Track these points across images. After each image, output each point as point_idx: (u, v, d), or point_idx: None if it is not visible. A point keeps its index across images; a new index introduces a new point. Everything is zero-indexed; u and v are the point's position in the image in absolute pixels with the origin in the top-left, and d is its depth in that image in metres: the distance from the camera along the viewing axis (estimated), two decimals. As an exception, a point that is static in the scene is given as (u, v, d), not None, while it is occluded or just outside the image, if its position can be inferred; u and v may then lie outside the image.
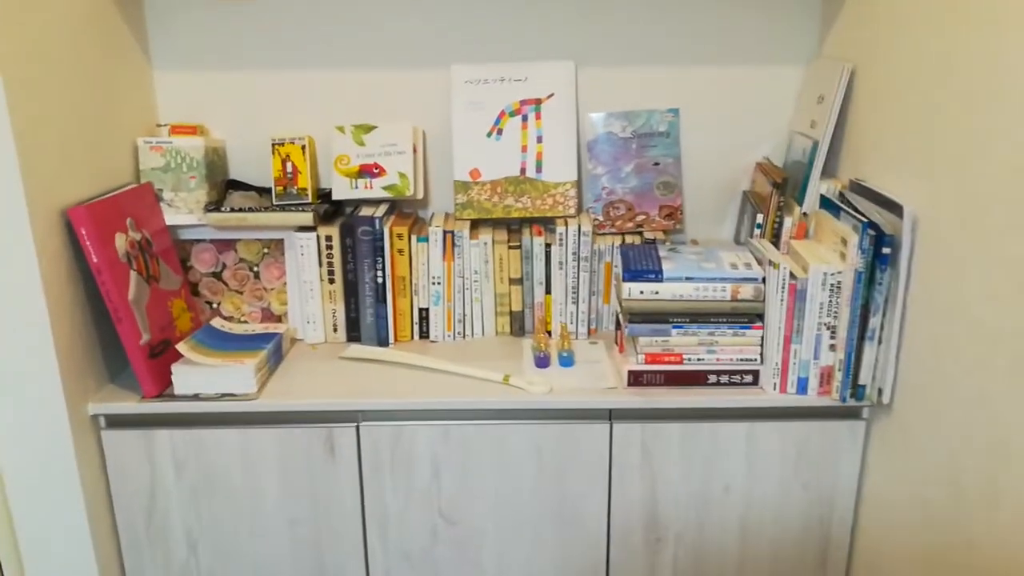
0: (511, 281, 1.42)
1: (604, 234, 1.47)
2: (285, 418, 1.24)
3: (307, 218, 1.37)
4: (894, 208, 1.13)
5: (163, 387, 1.23)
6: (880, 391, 1.18)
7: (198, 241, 1.44)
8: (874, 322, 1.15)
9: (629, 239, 1.45)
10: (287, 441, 1.23)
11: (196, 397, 1.22)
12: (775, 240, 1.34)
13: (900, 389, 1.15)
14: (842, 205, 1.21)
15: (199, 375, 1.22)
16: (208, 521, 1.27)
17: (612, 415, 1.24)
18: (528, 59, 1.46)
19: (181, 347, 1.23)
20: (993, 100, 0.93)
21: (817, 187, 1.31)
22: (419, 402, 1.21)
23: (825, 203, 1.27)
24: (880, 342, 1.16)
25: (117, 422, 1.23)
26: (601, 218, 1.48)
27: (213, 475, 1.25)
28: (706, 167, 1.52)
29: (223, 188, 1.46)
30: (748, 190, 1.51)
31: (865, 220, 1.12)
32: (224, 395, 1.22)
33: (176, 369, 1.22)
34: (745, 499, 1.27)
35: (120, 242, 1.20)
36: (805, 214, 1.32)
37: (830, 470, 1.26)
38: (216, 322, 1.37)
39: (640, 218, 1.48)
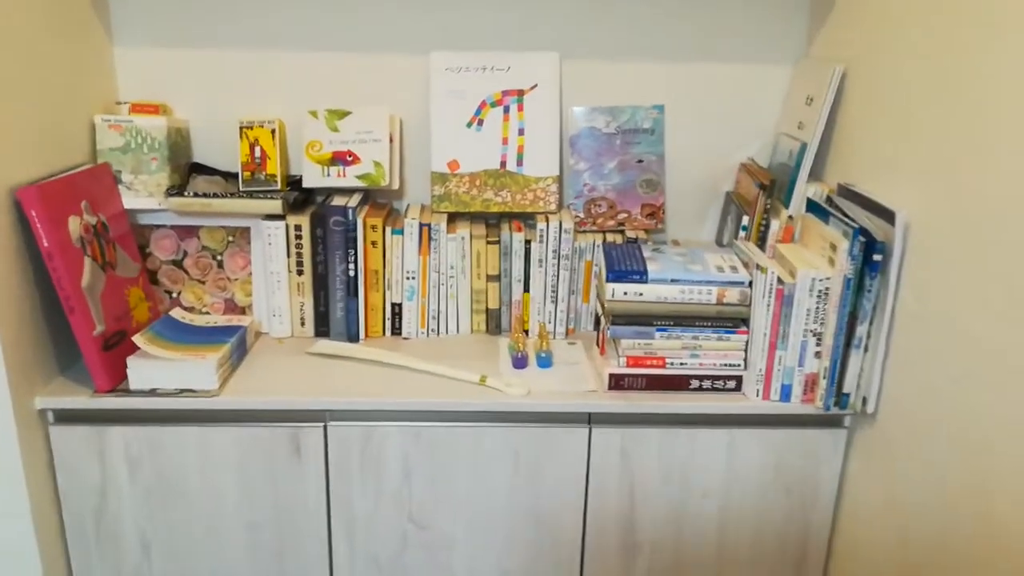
0: (488, 278, 1.37)
1: (585, 231, 1.43)
2: (248, 416, 1.17)
3: (275, 206, 1.30)
4: (884, 214, 1.10)
5: (117, 381, 1.16)
6: (864, 400, 1.16)
7: (158, 227, 1.37)
8: (861, 330, 1.13)
9: (611, 238, 1.41)
10: (250, 441, 1.17)
11: (153, 392, 1.15)
12: (761, 243, 1.31)
13: (885, 399, 1.13)
14: (830, 209, 1.18)
15: (156, 369, 1.15)
16: (163, 523, 1.20)
17: (592, 419, 1.20)
18: (511, 48, 1.41)
19: (138, 339, 1.15)
20: (990, 103, 0.91)
21: (804, 190, 1.28)
22: (391, 402, 1.15)
23: (812, 207, 1.25)
24: (867, 350, 1.14)
25: (66, 417, 1.16)
26: (582, 215, 1.43)
27: (169, 475, 1.18)
28: (689, 166, 1.48)
29: (186, 172, 1.39)
30: (732, 191, 1.48)
31: (856, 226, 1.09)
32: (183, 391, 1.15)
33: (132, 362, 1.14)
34: (723, 506, 1.24)
35: (74, 226, 1.12)
36: (791, 217, 1.29)
37: (810, 478, 1.23)
38: (176, 313, 1.30)
39: (622, 216, 1.44)
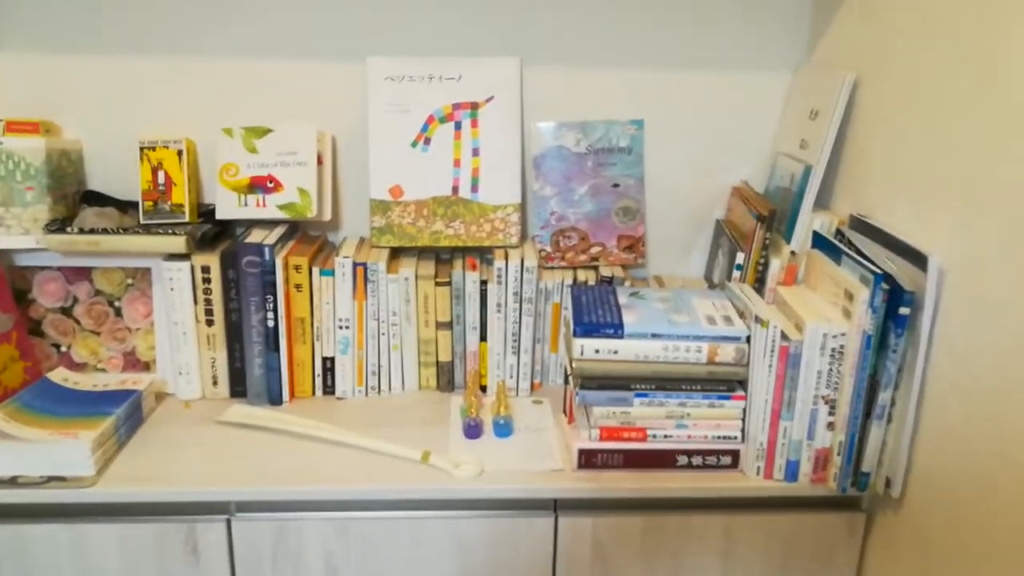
0: (439, 325, 1.16)
1: (552, 267, 1.22)
2: (132, 510, 0.95)
3: (178, 243, 1.08)
4: (911, 255, 0.90)
5: (-30, 468, 0.94)
6: (888, 481, 0.95)
7: (42, 268, 1.14)
8: (884, 397, 0.92)
9: (582, 275, 1.20)
10: (135, 540, 0.95)
11: (14, 482, 0.92)
12: (758, 285, 1.11)
13: (914, 480, 0.92)
14: (842, 246, 0.98)
15: (17, 452, 0.93)
16: (33, 638, 0.98)
17: (558, 505, 0.99)
18: (463, 54, 1.20)
19: (-8, 416, 0.93)
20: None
21: (809, 222, 1.08)
22: (308, 490, 0.94)
23: (819, 242, 1.04)
24: (890, 421, 0.94)
25: (-94, 513, 0.93)
26: (549, 249, 1.22)
27: (36, 582, 0.96)
28: (673, 191, 1.27)
29: (76, 202, 1.16)
30: (722, 219, 1.27)
31: (878, 271, 0.89)
32: (51, 479, 0.93)
33: (-15, 445, 0.92)
34: (718, 603, 1.03)
35: (-92, 277, 0.90)
36: (794, 253, 1.09)
37: (822, 572, 1.03)
38: (56, 375, 1.07)
39: (595, 250, 1.23)
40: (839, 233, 1.05)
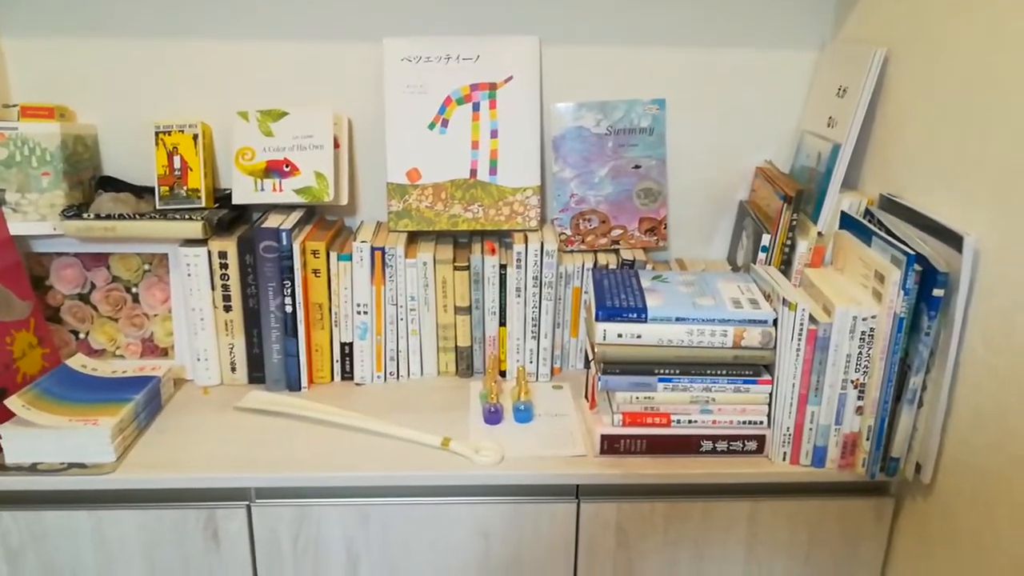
0: (457, 310, 1.15)
1: (572, 251, 1.20)
2: (152, 496, 0.95)
3: (194, 228, 1.07)
4: (946, 235, 0.87)
5: (-10, 454, 0.94)
6: (919, 467, 0.93)
7: (59, 255, 1.14)
8: (915, 381, 0.90)
9: (603, 258, 1.18)
10: (156, 526, 0.94)
11: (34, 469, 0.92)
12: (785, 267, 1.08)
13: (945, 466, 0.90)
14: (872, 227, 0.95)
15: (37, 440, 0.92)
16: (56, 623, 0.98)
17: (580, 491, 0.97)
18: (481, 33, 1.17)
19: (12, 402, 0.93)
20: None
21: (837, 202, 1.05)
22: (329, 477, 0.93)
23: (847, 222, 1.02)
24: (921, 405, 0.91)
25: (-72, 499, 0.93)
26: (569, 232, 1.20)
27: (58, 569, 0.96)
28: (696, 172, 1.25)
29: (92, 187, 1.16)
30: (746, 200, 1.25)
31: (911, 252, 0.86)
32: (71, 466, 0.92)
33: (6, 432, 0.92)
34: (743, 590, 1.02)
35: (-75, 263, 0.90)
36: (821, 234, 1.06)
37: (848, 559, 1.01)
38: (74, 361, 1.07)
39: (616, 233, 1.21)
40: (868, 213, 1.03)
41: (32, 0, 1.13)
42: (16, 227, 1.07)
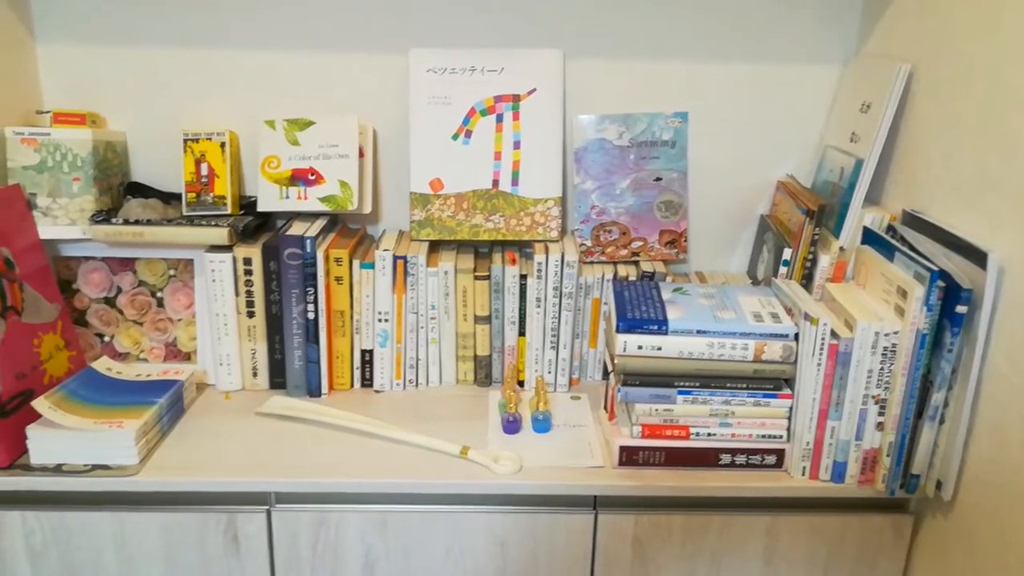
0: (477, 319, 1.15)
1: (592, 262, 1.20)
2: (174, 499, 0.96)
3: (220, 235, 1.08)
4: (970, 252, 0.87)
5: (17, 455, 0.95)
6: (939, 484, 0.92)
7: (87, 259, 1.15)
8: (937, 397, 0.90)
9: (623, 270, 1.18)
10: (177, 529, 0.95)
11: (58, 470, 0.93)
12: (805, 282, 1.08)
13: (966, 484, 0.89)
14: (895, 243, 0.95)
15: (62, 441, 0.94)
16: (77, 623, 0.99)
17: (598, 503, 0.98)
18: (505, 45, 1.19)
19: (39, 404, 0.94)
20: None
21: (860, 217, 1.05)
22: (348, 483, 0.93)
23: (870, 238, 1.02)
24: (943, 422, 0.91)
25: (-44, 498, 0.95)
26: (589, 243, 1.21)
27: (79, 568, 0.97)
28: (717, 185, 1.25)
29: (120, 193, 1.18)
30: (768, 214, 1.25)
31: (934, 268, 0.86)
32: (95, 467, 0.94)
33: (32, 433, 0.93)
34: (760, 606, 1.01)
35: (-41, 265, 0.92)
36: (843, 249, 1.06)
37: (866, 575, 1.00)
38: (100, 364, 1.08)
39: (636, 245, 1.21)
40: (891, 229, 1.03)
41: (66, 8, 1.15)
42: (46, 231, 1.09)
